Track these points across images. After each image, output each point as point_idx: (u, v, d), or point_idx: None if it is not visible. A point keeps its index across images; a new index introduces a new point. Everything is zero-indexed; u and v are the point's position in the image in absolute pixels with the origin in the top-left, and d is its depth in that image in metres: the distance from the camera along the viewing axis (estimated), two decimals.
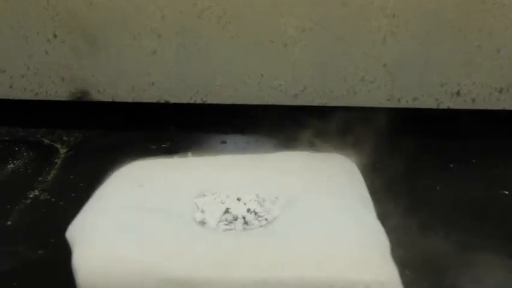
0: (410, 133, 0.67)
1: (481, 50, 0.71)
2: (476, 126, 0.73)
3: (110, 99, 0.76)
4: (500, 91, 0.74)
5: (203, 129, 0.73)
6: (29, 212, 0.58)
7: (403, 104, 0.74)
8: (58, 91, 0.76)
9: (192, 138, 0.71)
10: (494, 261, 0.49)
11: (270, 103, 0.75)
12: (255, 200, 0.50)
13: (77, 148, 0.71)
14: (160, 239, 0.43)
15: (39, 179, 0.64)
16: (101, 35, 0.72)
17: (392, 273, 0.40)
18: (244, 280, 0.39)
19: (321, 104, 0.74)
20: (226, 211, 0.49)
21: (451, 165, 0.65)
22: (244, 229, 0.47)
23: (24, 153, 0.70)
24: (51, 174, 0.65)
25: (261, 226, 0.47)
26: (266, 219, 0.47)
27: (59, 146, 0.72)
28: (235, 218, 0.48)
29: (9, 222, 0.56)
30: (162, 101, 0.76)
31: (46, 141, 0.73)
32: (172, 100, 0.76)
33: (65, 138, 0.73)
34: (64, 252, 0.44)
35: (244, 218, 0.48)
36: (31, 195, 0.61)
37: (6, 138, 0.74)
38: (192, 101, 0.75)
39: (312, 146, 0.59)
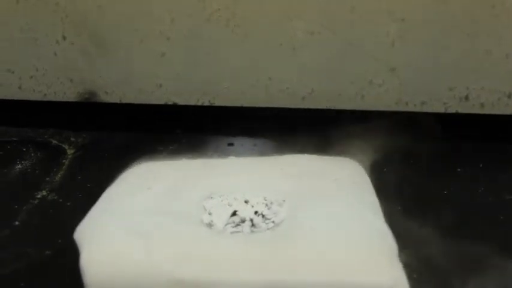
0: (419, 137, 0.67)
1: (490, 54, 0.70)
2: (485, 130, 0.73)
3: (117, 101, 0.76)
4: (509, 96, 0.73)
5: (210, 131, 0.73)
6: (37, 212, 0.58)
7: (411, 108, 0.74)
8: (66, 92, 0.77)
9: (200, 140, 0.71)
10: (502, 267, 0.49)
11: (277, 106, 0.75)
12: (263, 203, 0.50)
13: (85, 149, 0.72)
14: (168, 241, 0.43)
15: (47, 179, 0.64)
16: (109, 37, 0.73)
17: (400, 277, 0.40)
18: (252, 282, 0.39)
19: (328, 107, 0.74)
20: (234, 213, 0.49)
21: (459, 170, 0.65)
22: (252, 231, 0.47)
23: (32, 154, 0.70)
24: (59, 175, 0.65)
25: (268, 229, 0.47)
26: (273, 222, 0.47)
27: (66, 147, 0.72)
28: (243, 221, 0.48)
29: (16, 223, 0.56)
30: (169, 103, 0.76)
31: (54, 142, 0.73)
32: (180, 102, 0.76)
33: (72, 139, 0.74)
34: (72, 253, 0.44)
35: (251, 220, 0.48)
36: (39, 196, 0.61)
37: (14, 138, 0.74)
38: (199, 103, 0.76)
39: (319, 150, 0.59)
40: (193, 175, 0.53)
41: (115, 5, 0.70)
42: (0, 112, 0.77)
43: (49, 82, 0.76)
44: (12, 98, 0.77)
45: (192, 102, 0.76)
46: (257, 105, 0.75)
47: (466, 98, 0.73)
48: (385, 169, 0.61)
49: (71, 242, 0.46)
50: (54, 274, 0.49)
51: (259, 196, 0.50)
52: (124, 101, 0.76)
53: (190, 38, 0.72)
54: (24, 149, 0.71)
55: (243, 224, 0.48)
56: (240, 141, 0.72)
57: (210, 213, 0.48)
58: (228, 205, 0.49)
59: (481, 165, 0.66)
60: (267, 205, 0.49)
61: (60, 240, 0.53)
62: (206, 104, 0.76)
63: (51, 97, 0.77)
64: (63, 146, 0.72)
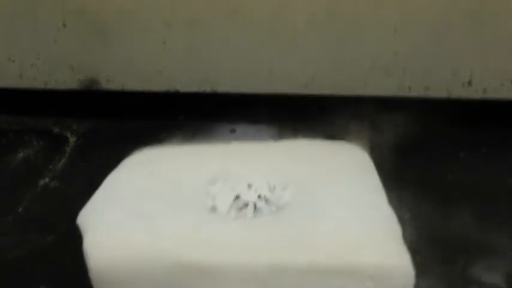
0: (421, 122, 0.67)
1: (494, 39, 0.70)
2: (487, 116, 0.72)
3: (119, 88, 0.76)
4: None
5: (212, 118, 0.72)
6: (40, 199, 0.58)
7: (414, 93, 0.74)
8: (67, 80, 0.76)
9: (202, 126, 0.71)
10: (506, 249, 0.49)
11: (279, 92, 0.74)
12: (266, 187, 0.49)
13: (87, 137, 0.71)
14: (171, 225, 0.43)
15: (49, 167, 0.64)
16: (110, 24, 0.72)
17: (404, 258, 0.39)
18: (256, 265, 0.39)
19: (331, 93, 0.74)
20: (237, 197, 0.48)
21: (461, 154, 0.65)
22: (255, 215, 0.47)
23: (34, 142, 0.70)
24: (61, 163, 0.65)
25: (271, 212, 0.47)
26: (277, 206, 0.47)
27: (68, 135, 0.72)
28: (246, 205, 0.48)
29: (20, 210, 0.56)
30: (171, 90, 0.76)
31: (56, 130, 0.73)
32: (182, 89, 0.76)
33: (74, 127, 0.73)
34: (75, 238, 0.44)
35: (255, 204, 0.48)
36: (41, 183, 0.61)
37: (16, 127, 0.74)
38: (201, 90, 0.75)
39: (322, 135, 0.59)
40: (196, 160, 0.53)
41: None
42: (2, 101, 0.77)
43: (50, 70, 0.76)
44: (13, 87, 0.77)
45: (194, 89, 0.76)
46: (259, 92, 0.74)
47: (469, 83, 0.73)
48: (388, 154, 0.61)
49: (74, 228, 0.45)
50: (57, 259, 0.49)
51: (262, 180, 0.50)
52: (126, 89, 0.76)
53: (191, 25, 0.71)
54: (26, 138, 0.71)
55: (246, 208, 0.47)
56: (242, 128, 0.72)
57: (213, 198, 0.48)
58: (231, 189, 0.49)
59: (483, 150, 0.66)
60: (270, 189, 0.49)
61: (62, 226, 0.53)
62: (208, 90, 0.76)
63: (52, 85, 0.77)
64: (65, 134, 0.72)
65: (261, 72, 0.74)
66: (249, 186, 0.50)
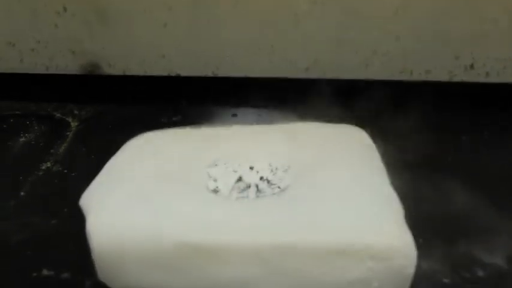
0: (423, 106, 0.66)
1: (496, 22, 0.69)
2: (490, 99, 0.72)
3: (120, 73, 0.76)
4: None
5: (214, 102, 0.72)
6: (42, 183, 0.58)
7: (415, 77, 0.74)
8: (69, 65, 0.76)
9: (203, 111, 0.71)
10: (507, 230, 0.49)
11: (281, 76, 0.74)
12: (268, 169, 0.50)
13: (88, 121, 0.71)
14: (173, 207, 0.43)
15: (51, 151, 0.64)
16: (111, 8, 0.72)
17: (407, 239, 0.39)
18: (258, 246, 0.39)
19: (332, 77, 0.74)
20: (239, 179, 0.49)
21: (463, 138, 0.65)
22: (257, 197, 0.47)
23: (36, 127, 0.70)
24: (63, 147, 0.65)
25: (273, 194, 0.47)
26: (279, 187, 0.47)
27: (70, 120, 0.72)
28: (248, 186, 0.48)
29: (22, 193, 0.56)
30: (173, 74, 0.75)
31: (57, 115, 0.73)
32: (183, 73, 0.75)
33: (76, 112, 0.73)
34: (78, 221, 0.44)
35: (257, 185, 0.48)
36: (43, 167, 0.61)
37: (18, 112, 0.74)
38: (202, 74, 0.75)
39: (324, 118, 0.59)
40: (198, 143, 0.53)
41: None
42: (3, 86, 0.77)
43: (51, 55, 0.76)
44: (13, 72, 0.77)
45: (196, 73, 0.75)
46: (260, 76, 0.74)
47: (471, 66, 0.73)
48: (390, 137, 0.61)
49: (77, 211, 0.46)
50: (59, 243, 0.49)
51: (264, 162, 0.50)
52: (127, 73, 0.76)
53: (192, 8, 0.71)
54: (28, 123, 0.71)
55: (248, 190, 0.47)
56: (243, 112, 0.72)
57: (215, 180, 0.48)
58: (233, 171, 0.49)
59: (485, 134, 0.66)
60: (272, 171, 0.49)
61: (65, 209, 0.53)
62: (209, 75, 0.75)
63: (53, 70, 0.77)
64: (67, 119, 0.72)
65: (262, 56, 0.74)
66: (251, 168, 0.50)
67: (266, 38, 0.73)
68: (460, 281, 0.44)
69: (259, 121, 0.70)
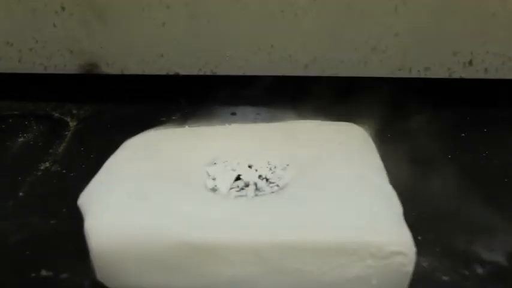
0: (422, 103, 0.66)
1: (495, 18, 0.69)
2: (489, 95, 0.72)
3: (119, 72, 0.76)
4: None
5: (213, 101, 0.72)
6: (41, 183, 0.58)
7: (414, 74, 0.74)
8: (67, 64, 0.76)
9: (202, 109, 0.70)
10: (507, 227, 0.49)
11: (280, 74, 0.74)
12: (267, 167, 0.50)
13: (87, 121, 0.71)
14: (172, 206, 0.43)
15: (50, 151, 0.64)
16: (109, 7, 0.72)
17: (406, 237, 0.39)
18: (257, 243, 0.39)
19: (331, 75, 0.74)
20: (238, 178, 0.49)
21: (463, 135, 0.65)
22: (256, 195, 0.47)
23: (34, 127, 0.70)
24: (62, 147, 0.65)
25: (272, 192, 0.47)
26: (278, 186, 0.47)
27: (68, 120, 0.71)
28: (247, 185, 0.48)
29: (21, 194, 0.56)
30: (171, 73, 0.75)
31: (56, 114, 0.73)
32: (182, 72, 0.75)
33: (74, 111, 0.73)
34: (77, 221, 0.44)
35: (255, 184, 0.48)
36: (42, 167, 0.61)
37: (16, 112, 0.74)
38: (201, 73, 0.75)
39: (323, 116, 0.59)
40: (196, 141, 0.53)
41: None
42: (1, 86, 0.77)
43: (49, 54, 0.76)
44: (12, 72, 0.76)
45: (194, 72, 0.75)
46: (259, 74, 0.74)
47: (470, 63, 0.73)
48: (389, 134, 0.61)
49: (76, 211, 0.45)
50: (58, 244, 0.49)
51: (263, 161, 0.50)
52: (126, 72, 0.76)
53: (191, 6, 0.71)
54: (26, 123, 0.71)
55: (247, 188, 0.47)
56: (242, 111, 0.72)
57: (213, 179, 0.48)
58: (232, 170, 0.49)
59: (485, 130, 0.66)
60: (270, 169, 0.49)
61: (64, 210, 0.53)
62: (208, 73, 0.75)
63: (51, 70, 0.77)
64: (65, 118, 0.72)
65: (261, 54, 0.74)
66: (250, 166, 0.50)
67: (265, 36, 0.73)
68: (459, 278, 0.44)
69: (258, 119, 0.70)
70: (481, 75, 0.73)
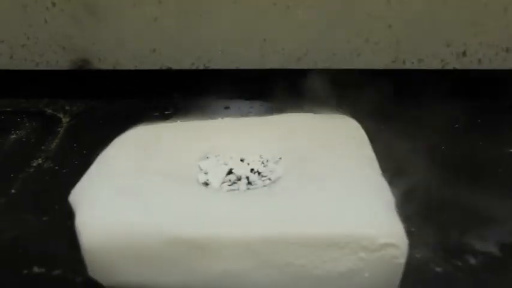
0: (415, 94, 0.66)
1: (488, 9, 0.69)
2: (482, 86, 0.72)
3: (111, 68, 0.76)
4: (507, 51, 0.73)
5: (206, 95, 0.72)
6: (33, 180, 0.58)
7: (408, 66, 0.73)
8: (59, 60, 0.76)
9: (195, 104, 0.70)
10: (500, 218, 0.49)
11: (273, 67, 0.74)
12: (259, 161, 0.49)
13: (80, 117, 0.71)
14: (164, 200, 0.42)
15: (42, 148, 0.64)
16: (100, 2, 0.71)
17: (398, 229, 0.39)
18: (249, 237, 0.39)
19: (324, 67, 0.73)
20: (230, 172, 0.48)
21: (457, 126, 0.64)
22: (248, 189, 0.46)
23: (27, 124, 0.69)
24: (54, 143, 0.65)
25: (264, 186, 0.46)
26: (270, 179, 0.47)
27: (61, 116, 0.71)
28: (239, 178, 0.48)
29: (13, 191, 0.56)
30: (164, 68, 0.75)
31: (48, 111, 0.73)
32: (174, 67, 0.75)
33: (67, 107, 0.73)
34: (69, 217, 0.44)
35: (247, 178, 0.47)
36: (34, 164, 0.60)
37: (8, 109, 0.73)
38: (194, 67, 0.75)
39: (316, 109, 0.59)
40: (188, 136, 0.53)
41: None
42: None
43: (41, 51, 0.75)
44: (3, 68, 0.76)
45: (187, 67, 0.75)
46: (252, 67, 0.74)
47: (464, 53, 0.73)
48: (382, 126, 0.61)
49: (68, 208, 0.45)
50: (50, 241, 0.49)
51: (255, 154, 0.50)
52: (118, 68, 0.76)
53: (182, 1, 0.70)
54: (19, 119, 0.70)
55: (239, 182, 0.47)
56: (236, 104, 0.71)
57: (205, 173, 0.48)
58: (224, 164, 0.49)
59: (479, 121, 0.66)
60: (262, 163, 0.49)
61: (57, 206, 0.53)
62: (201, 67, 0.75)
63: (43, 66, 0.76)
64: (58, 114, 0.72)
65: (253, 48, 0.73)
66: (242, 160, 0.50)
67: (257, 29, 0.72)
68: (452, 269, 0.44)
69: (251, 113, 0.70)
70: (475, 66, 0.73)
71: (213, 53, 0.74)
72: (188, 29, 0.72)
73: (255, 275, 0.39)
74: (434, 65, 0.73)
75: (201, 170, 0.49)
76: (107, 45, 0.74)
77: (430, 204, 0.50)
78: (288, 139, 0.51)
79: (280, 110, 0.59)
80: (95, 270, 0.41)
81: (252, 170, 0.48)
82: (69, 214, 0.44)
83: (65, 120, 0.70)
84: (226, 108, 0.71)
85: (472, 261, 0.44)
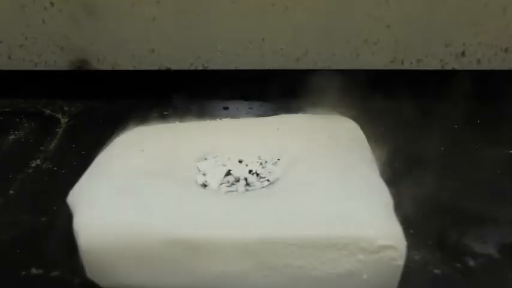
0: (414, 95, 0.66)
1: (487, 9, 0.69)
2: (481, 86, 0.72)
3: (109, 68, 0.75)
4: (506, 51, 0.73)
5: (205, 96, 0.72)
6: (31, 180, 0.58)
7: (407, 66, 0.73)
8: (57, 61, 0.76)
9: (194, 104, 0.70)
10: (499, 219, 0.49)
11: (272, 68, 0.74)
12: (257, 162, 0.49)
13: (78, 118, 0.71)
14: (162, 202, 0.42)
15: (41, 148, 0.63)
16: (99, 2, 0.71)
17: (397, 231, 0.39)
18: (247, 239, 0.39)
19: (323, 68, 0.73)
20: (228, 173, 0.48)
21: (456, 126, 0.64)
22: (246, 190, 0.46)
23: (25, 124, 0.69)
24: (53, 144, 0.64)
25: (263, 187, 0.46)
26: (268, 180, 0.47)
27: (60, 116, 0.71)
28: (237, 180, 0.47)
29: (11, 191, 0.56)
30: (162, 68, 0.75)
31: (47, 111, 0.72)
32: (173, 67, 0.75)
33: (65, 108, 0.73)
34: (67, 218, 0.44)
35: (246, 179, 0.47)
36: (33, 165, 0.60)
37: (7, 109, 0.73)
38: (193, 68, 0.75)
39: (314, 109, 0.58)
40: (187, 137, 0.53)
41: None
42: None
43: (39, 51, 0.75)
44: (2, 69, 0.76)
45: (186, 67, 0.75)
46: (251, 68, 0.74)
47: (463, 54, 0.73)
48: (381, 127, 0.61)
49: (67, 208, 0.45)
50: (49, 242, 0.49)
51: (254, 155, 0.50)
52: (116, 68, 0.76)
53: (180, 1, 0.70)
54: (17, 120, 0.70)
55: (237, 183, 0.47)
56: (235, 105, 0.71)
57: (204, 174, 0.48)
58: (222, 165, 0.49)
59: (478, 122, 0.66)
60: (261, 164, 0.49)
61: (55, 207, 0.52)
62: (200, 68, 0.75)
63: (42, 66, 0.76)
64: (57, 115, 0.71)
65: (252, 48, 0.73)
66: (240, 161, 0.49)
67: (256, 29, 0.72)
68: (451, 271, 0.44)
69: (250, 113, 0.70)
70: (474, 67, 0.73)
71: (212, 53, 0.74)
72: (187, 29, 0.72)
73: (253, 276, 0.39)
74: (434, 65, 0.73)
75: (200, 171, 0.49)
76: (105, 46, 0.74)
77: (428, 205, 0.50)
78: (286, 140, 0.51)
79: (279, 110, 0.59)
80: (93, 271, 0.41)
81: (250, 171, 0.48)
82: (68, 215, 0.44)
83: (64, 120, 0.70)
84: (225, 108, 0.71)
85: (471, 263, 0.44)
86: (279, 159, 0.49)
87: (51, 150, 0.63)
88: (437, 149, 0.59)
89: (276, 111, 0.60)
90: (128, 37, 0.73)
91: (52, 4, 0.71)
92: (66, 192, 0.46)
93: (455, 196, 0.51)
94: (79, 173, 0.49)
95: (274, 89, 0.69)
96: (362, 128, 0.54)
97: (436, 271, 0.44)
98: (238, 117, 0.65)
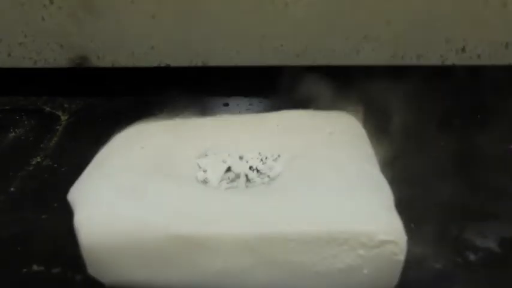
0: (414, 90, 0.66)
1: (487, 4, 0.69)
2: (482, 82, 0.72)
3: (109, 65, 0.75)
4: (506, 46, 0.72)
5: (205, 92, 0.72)
6: (32, 178, 0.58)
7: (407, 62, 0.73)
8: (57, 58, 0.75)
9: (194, 101, 0.70)
10: (499, 214, 0.49)
11: (271, 64, 0.74)
12: (257, 158, 0.49)
13: (78, 115, 0.71)
14: (163, 198, 0.42)
15: (41, 146, 0.64)
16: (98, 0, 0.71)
17: (397, 226, 0.39)
18: (247, 235, 0.39)
19: (323, 64, 0.73)
20: (228, 169, 0.48)
21: (455, 121, 0.64)
22: (247, 186, 0.46)
23: (26, 122, 0.69)
24: (53, 141, 0.65)
25: (263, 183, 0.46)
26: (268, 177, 0.47)
27: (60, 114, 0.71)
28: (238, 176, 0.47)
29: (12, 189, 0.56)
30: (162, 65, 0.75)
31: (47, 109, 0.73)
32: (173, 64, 0.75)
33: (66, 105, 0.73)
34: (68, 215, 0.44)
35: (246, 175, 0.47)
36: (33, 162, 0.60)
37: (7, 107, 0.73)
38: (193, 64, 0.75)
39: (314, 105, 0.58)
40: (187, 133, 0.53)
41: None
42: None
43: (39, 48, 0.75)
44: (1, 66, 0.76)
45: (185, 64, 0.75)
46: (251, 64, 0.74)
47: (463, 49, 0.72)
48: (381, 123, 0.61)
49: (67, 205, 0.45)
50: (50, 239, 0.49)
51: (254, 152, 0.50)
52: (116, 65, 0.75)
53: None
54: (17, 117, 0.70)
55: (238, 180, 0.47)
56: (235, 101, 0.71)
57: (204, 171, 0.48)
58: (223, 161, 0.49)
59: (478, 117, 0.66)
60: (261, 160, 0.49)
61: (55, 204, 0.52)
62: (199, 64, 0.75)
63: (41, 64, 0.76)
64: (57, 112, 0.72)
65: (252, 45, 0.73)
66: (241, 157, 0.49)
67: (256, 25, 0.72)
68: (451, 265, 0.44)
69: (250, 110, 0.70)
70: (474, 62, 0.73)
71: (211, 50, 0.74)
72: (187, 25, 0.72)
73: (254, 272, 0.39)
74: (434, 60, 0.73)
75: (200, 167, 0.48)
76: (105, 43, 0.74)
77: (429, 200, 0.50)
78: (286, 136, 0.51)
79: (279, 106, 0.59)
80: (94, 268, 0.41)
81: (250, 167, 0.48)
82: (68, 212, 0.44)
83: (64, 118, 0.70)
84: (225, 105, 0.71)
85: (472, 257, 0.44)
86: (279, 155, 0.49)
87: (52, 148, 0.63)
88: (437, 144, 0.59)
89: (275, 108, 0.60)
90: (127, 34, 0.73)
91: (51, 1, 0.71)
92: (66, 190, 0.46)
93: (455, 191, 0.51)
94: (79, 170, 0.49)
95: (274, 85, 0.69)
96: (362, 123, 0.54)
97: (437, 265, 0.44)
98: (239, 114, 0.65)
